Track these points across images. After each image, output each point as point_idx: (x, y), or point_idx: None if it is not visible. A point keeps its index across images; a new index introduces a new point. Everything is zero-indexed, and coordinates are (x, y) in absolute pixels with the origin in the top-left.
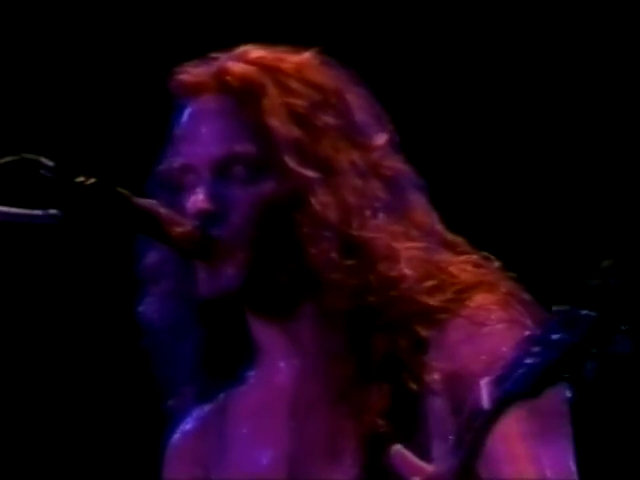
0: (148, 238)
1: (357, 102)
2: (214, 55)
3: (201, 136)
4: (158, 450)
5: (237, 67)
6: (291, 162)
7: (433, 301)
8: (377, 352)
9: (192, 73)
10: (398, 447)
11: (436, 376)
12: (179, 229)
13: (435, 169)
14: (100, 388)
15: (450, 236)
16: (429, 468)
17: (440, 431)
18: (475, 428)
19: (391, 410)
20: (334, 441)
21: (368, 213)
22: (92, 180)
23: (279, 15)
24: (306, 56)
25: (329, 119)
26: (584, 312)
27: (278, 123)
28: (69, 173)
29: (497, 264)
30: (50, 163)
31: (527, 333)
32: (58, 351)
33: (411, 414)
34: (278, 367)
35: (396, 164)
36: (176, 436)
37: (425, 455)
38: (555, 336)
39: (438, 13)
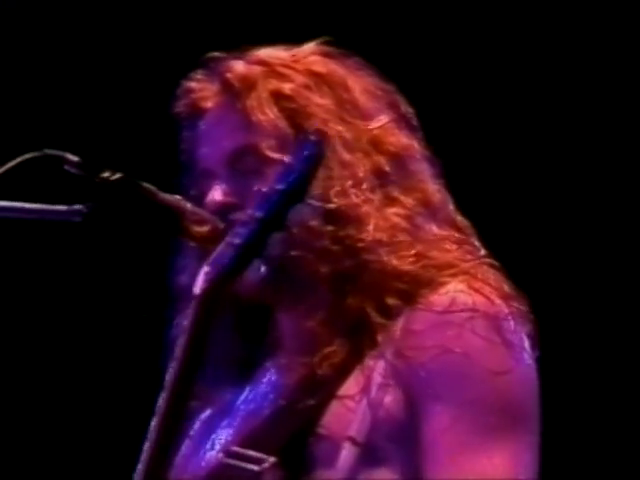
0: (172, 235)
1: (359, 87)
2: (215, 56)
3: (209, 137)
4: None
5: (237, 66)
6: (269, 150)
7: (403, 267)
8: (349, 314)
9: (195, 89)
10: None
11: (389, 349)
12: (202, 228)
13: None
14: (105, 389)
15: (455, 216)
16: None
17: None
18: (192, 312)
19: (341, 364)
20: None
21: (349, 183)
22: (117, 175)
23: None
24: (308, 47)
25: (319, 99)
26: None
27: (259, 112)
28: (94, 168)
29: (483, 252)
30: (75, 158)
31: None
32: (80, 347)
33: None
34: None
35: (401, 140)
36: None
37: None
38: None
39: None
